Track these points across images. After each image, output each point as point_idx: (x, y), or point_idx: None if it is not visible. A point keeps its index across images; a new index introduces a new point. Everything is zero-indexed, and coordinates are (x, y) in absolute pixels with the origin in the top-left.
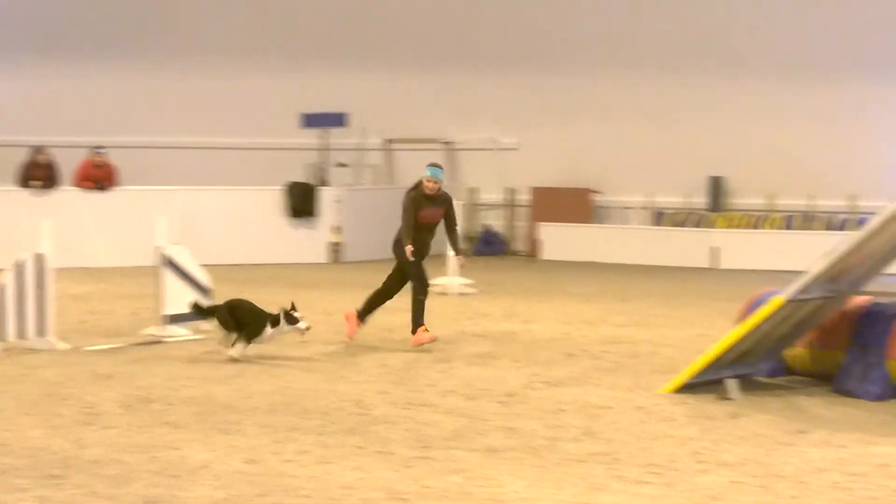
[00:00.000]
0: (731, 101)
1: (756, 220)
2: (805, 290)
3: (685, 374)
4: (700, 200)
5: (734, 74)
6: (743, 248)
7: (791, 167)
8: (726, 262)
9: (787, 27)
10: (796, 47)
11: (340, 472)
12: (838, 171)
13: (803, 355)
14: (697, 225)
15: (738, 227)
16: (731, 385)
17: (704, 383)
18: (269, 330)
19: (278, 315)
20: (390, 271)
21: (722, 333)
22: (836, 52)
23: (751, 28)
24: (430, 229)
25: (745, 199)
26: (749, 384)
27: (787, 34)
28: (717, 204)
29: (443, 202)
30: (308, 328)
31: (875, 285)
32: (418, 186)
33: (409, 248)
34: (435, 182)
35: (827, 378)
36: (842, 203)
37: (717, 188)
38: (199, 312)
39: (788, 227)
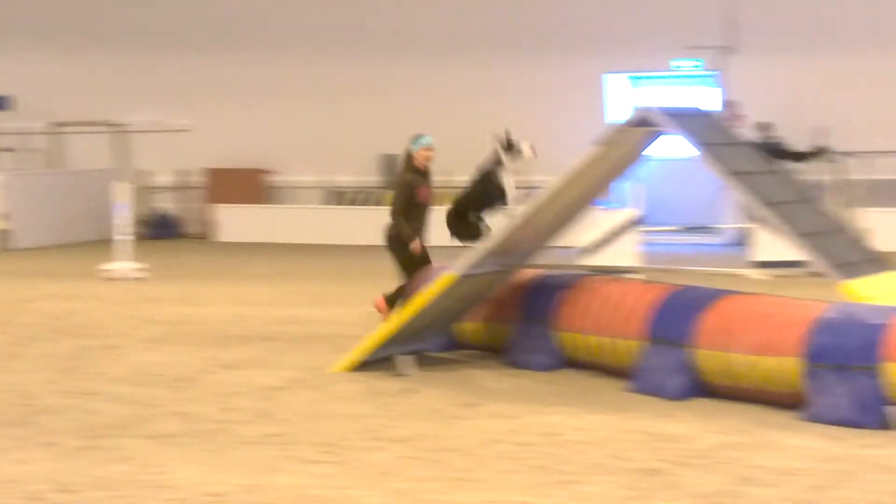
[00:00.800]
0: (401, 79)
1: None
2: (476, 264)
3: (359, 352)
4: (373, 178)
5: (401, 52)
6: None
7: (462, 143)
8: None
9: (453, 4)
10: (462, 24)
11: (4, 465)
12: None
13: (476, 329)
14: (371, 203)
15: None
16: (405, 361)
17: (379, 360)
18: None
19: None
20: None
21: (395, 310)
22: (499, 30)
23: (417, 6)
24: (427, 210)
25: None
26: (423, 359)
27: (453, 12)
28: (390, 182)
29: (430, 176)
30: (533, 148)
31: (543, 258)
32: (409, 164)
33: (415, 245)
34: (433, 150)
35: (499, 351)
36: (513, 179)
37: (389, 166)
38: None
39: None
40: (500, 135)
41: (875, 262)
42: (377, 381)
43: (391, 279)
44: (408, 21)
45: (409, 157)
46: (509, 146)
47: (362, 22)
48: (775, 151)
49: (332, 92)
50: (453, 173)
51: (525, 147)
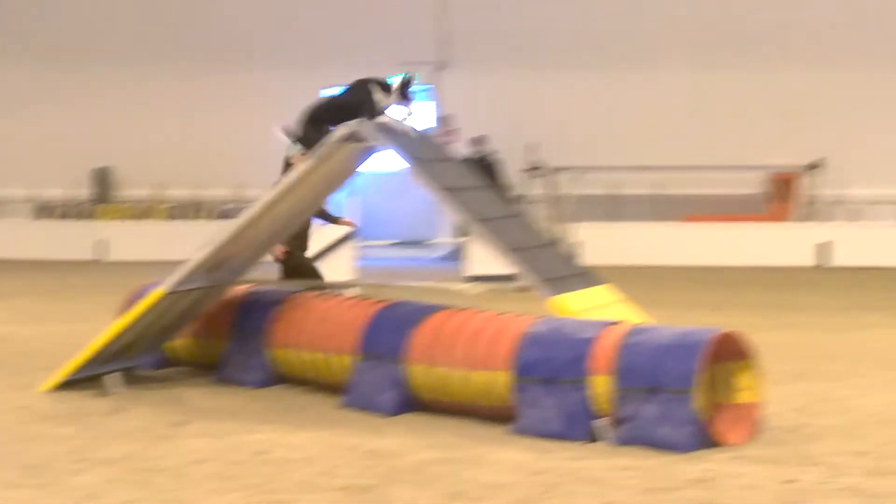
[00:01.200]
0: (116, 90)
1: (143, 211)
2: (186, 280)
3: (65, 371)
4: (85, 192)
5: (113, 63)
6: (130, 240)
7: (178, 157)
8: (114, 255)
9: (169, 16)
10: (179, 36)
11: None
12: (225, 160)
13: (188, 345)
14: (82, 217)
15: (124, 218)
16: (112, 380)
17: (87, 379)
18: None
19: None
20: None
21: (106, 327)
22: (217, 43)
23: (128, 17)
24: None
25: (132, 190)
26: (132, 378)
27: (169, 23)
28: (103, 195)
29: None
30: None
31: (256, 273)
32: (288, 169)
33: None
34: None
35: (212, 367)
36: (228, 192)
37: (102, 179)
38: None
39: (176, 218)
40: (410, 73)
41: (583, 276)
42: (84, 401)
43: (103, 296)
44: (119, 31)
45: (288, 163)
46: (405, 93)
47: (69, 31)
48: (490, 172)
49: (42, 103)
50: (167, 187)
51: (413, 105)
